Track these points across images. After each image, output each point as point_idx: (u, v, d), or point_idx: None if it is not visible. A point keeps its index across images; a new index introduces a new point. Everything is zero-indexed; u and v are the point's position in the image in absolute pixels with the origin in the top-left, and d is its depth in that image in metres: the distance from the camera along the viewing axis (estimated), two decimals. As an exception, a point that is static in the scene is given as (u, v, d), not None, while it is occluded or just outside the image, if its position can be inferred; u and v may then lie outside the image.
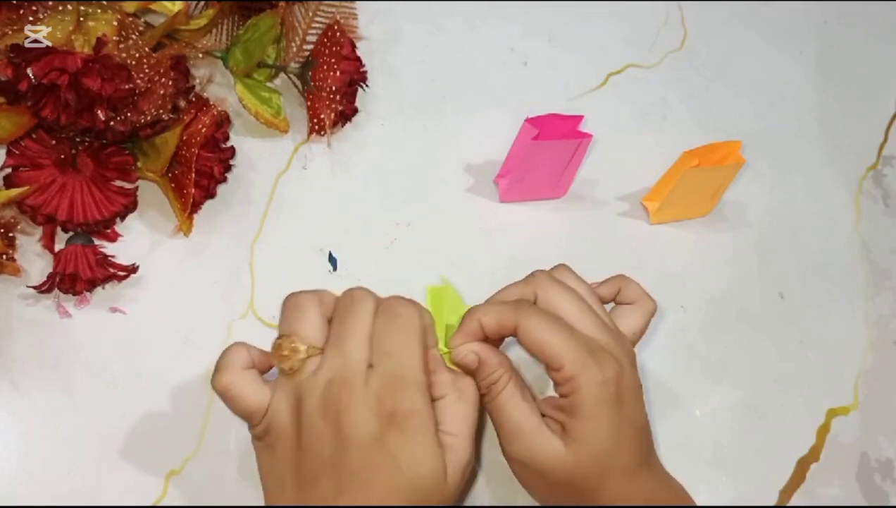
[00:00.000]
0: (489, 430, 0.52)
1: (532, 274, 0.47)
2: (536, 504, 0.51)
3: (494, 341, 0.46)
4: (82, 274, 0.50)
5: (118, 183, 0.53)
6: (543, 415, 0.44)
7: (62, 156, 0.52)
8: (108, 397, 0.49)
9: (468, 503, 0.50)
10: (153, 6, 0.55)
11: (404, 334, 0.43)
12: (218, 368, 0.43)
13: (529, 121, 0.55)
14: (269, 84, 0.59)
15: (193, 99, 0.54)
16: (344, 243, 0.56)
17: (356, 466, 0.39)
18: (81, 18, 0.51)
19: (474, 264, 0.57)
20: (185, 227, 0.54)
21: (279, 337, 0.43)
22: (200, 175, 0.54)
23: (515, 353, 0.47)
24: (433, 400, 0.43)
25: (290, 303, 0.44)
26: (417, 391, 0.41)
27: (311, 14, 0.59)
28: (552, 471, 0.43)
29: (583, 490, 0.43)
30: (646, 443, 0.45)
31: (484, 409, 0.46)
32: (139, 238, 0.54)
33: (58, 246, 0.52)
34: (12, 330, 0.50)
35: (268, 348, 0.44)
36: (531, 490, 0.47)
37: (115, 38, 0.51)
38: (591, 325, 0.45)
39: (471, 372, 0.45)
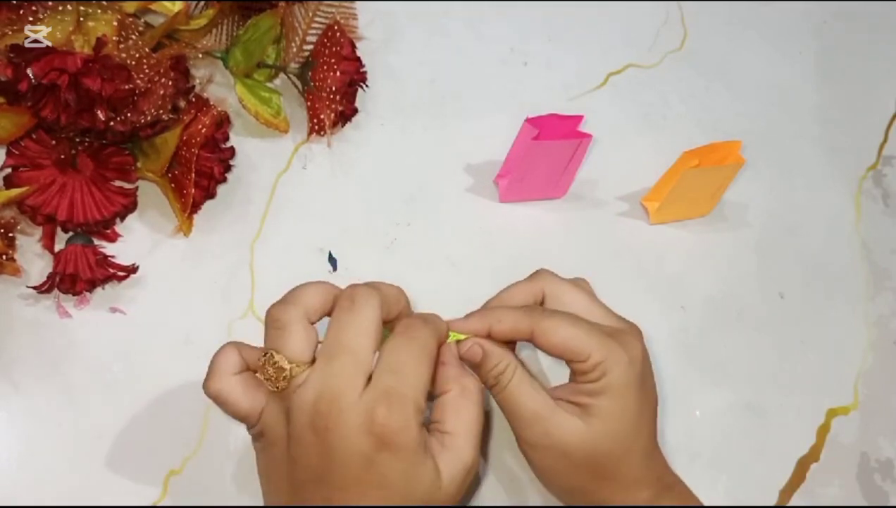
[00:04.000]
0: (496, 432, 0.52)
1: (537, 272, 0.48)
2: (543, 505, 0.51)
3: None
4: (82, 274, 0.50)
5: (118, 183, 0.53)
6: (558, 400, 0.44)
7: (62, 156, 0.52)
8: (108, 397, 0.49)
9: (474, 502, 0.50)
10: (153, 6, 0.55)
11: (415, 355, 0.41)
12: (209, 373, 0.42)
13: (529, 121, 0.55)
14: (269, 84, 0.59)
15: (193, 99, 0.54)
16: (344, 243, 0.56)
17: (345, 482, 0.39)
18: (81, 18, 0.51)
19: (474, 264, 0.57)
20: (185, 227, 0.54)
21: (262, 355, 0.41)
22: (200, 175, 0.54)
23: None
24: (437, 395, 0.42)
25: (271, 319, 0.41)
26: (414, 411, 0.39)
27: (311, 14, 0.59)
28: (575, 450, 0.43)
29: (605, 469, 0.44)
30: (656, 425, 0.46)
31: (496, 405, 0.46)
32: (139, 238, 0.54)
33: (58, 246, 0.52)
34: (12, 330, 0.50)
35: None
36: (550, 479, 0.46)
37: (115, 38, 0.51)
38: (603, 315, 0.46)
39: (475, 367, 0.45)
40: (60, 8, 0.50)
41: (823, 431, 0.56)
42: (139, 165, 0.54)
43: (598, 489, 0.44)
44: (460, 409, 0.42)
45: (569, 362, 0.44)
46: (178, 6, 0.54)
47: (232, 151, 0.56)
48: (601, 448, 0.43)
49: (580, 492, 0.45)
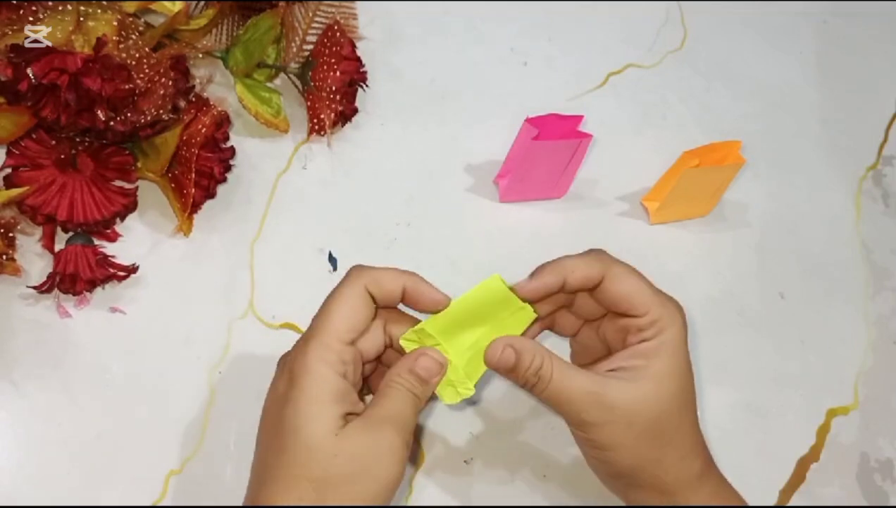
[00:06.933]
0: (504, 432, 0.52)
1: (594, 252, 0.47)
2: (550, 505, 0.51)
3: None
4: (82, 274, 0.50)
5: (118, 183, 0.53)
6: (607, 372, 0.44)
7: (62, 156, 0.52)
8: (108, 397, 0.49)
9: (476, 502, 0.50)
10: (153, 6, 0.55)
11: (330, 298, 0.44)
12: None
13: (529, 121, 0.55)
14: (269, 84, 0.59)
15: (193, 99, 0.54)
16: (344, 243, 0.56)
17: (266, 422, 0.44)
18: (81, 18, 0.51)
19: (474, 264, 0.57)
20: (185, 227, 0.54)
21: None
22: (200, 175, 0.54)
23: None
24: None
25: None
26: (317, 349, 0.41)
27: (311, 14, 0.59)
28: (638, 417, 0.43)
29: (666, 433, 0.44)
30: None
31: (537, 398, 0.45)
32: (139, 238, 0.54)
33: (58, 246, 0.52)
34: (12, 330, 0.50)
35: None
36: (614, 459, 0.44)
37: (115, 38, 0.51)
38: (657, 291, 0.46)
39: (510, 370, 0.44)
40: (60, 8, 0.51)
41: (823, 431, 0.56)
42: (139, 165, 0.54)
43: (661, 457, 0.44)
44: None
45: (624, 316, 0.45)
46: (178, 6, 0.54)
47: (232, 151, 0.56)
48: (663, 411, 0.43)
49: (640, 470, 0.44)
